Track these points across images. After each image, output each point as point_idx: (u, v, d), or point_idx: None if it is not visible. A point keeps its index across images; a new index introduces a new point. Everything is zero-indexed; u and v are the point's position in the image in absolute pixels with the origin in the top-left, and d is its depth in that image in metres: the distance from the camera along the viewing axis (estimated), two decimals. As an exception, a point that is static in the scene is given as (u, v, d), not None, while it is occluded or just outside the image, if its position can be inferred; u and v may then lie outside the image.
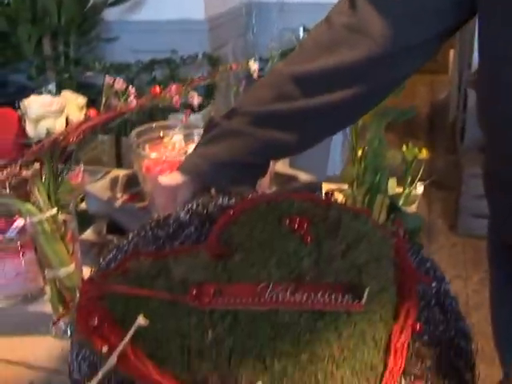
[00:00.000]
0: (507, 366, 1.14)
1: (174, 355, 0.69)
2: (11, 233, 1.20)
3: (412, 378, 0.75)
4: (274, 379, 0.68)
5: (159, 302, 0.73)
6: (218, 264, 0.78)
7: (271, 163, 1.07)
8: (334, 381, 0.70)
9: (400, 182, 1.48)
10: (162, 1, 3.33)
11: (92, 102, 1.08)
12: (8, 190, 0.95)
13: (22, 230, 1.20)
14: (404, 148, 1.45)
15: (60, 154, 0.98)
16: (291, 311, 0.74)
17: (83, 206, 1.48)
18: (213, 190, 1.00)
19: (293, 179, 1.37)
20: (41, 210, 1.00)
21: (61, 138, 0.95)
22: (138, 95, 1.02)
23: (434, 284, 0.87)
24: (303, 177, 1.37)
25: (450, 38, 0.99)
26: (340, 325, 0.74)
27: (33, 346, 1.11)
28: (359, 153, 1.38)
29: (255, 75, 1.10)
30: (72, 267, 1.05)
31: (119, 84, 1.00)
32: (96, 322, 0.69)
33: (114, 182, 1.42)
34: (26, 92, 1.25)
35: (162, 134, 1.31)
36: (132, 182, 1.41)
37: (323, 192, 1.04)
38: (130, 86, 1.01)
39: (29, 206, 0.99)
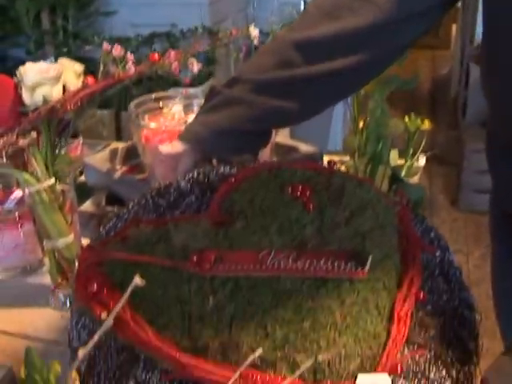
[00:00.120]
0: (509, 339, 1.14)
1: (174, 322, 0.68)
2: (9, 204, 1.19)
3: (415, 347, 0.75)
4: (275, 346, 0.67)
5: (159, 268, 0.72)
6: (219, 231, 0.77)
7: (272, 134, 1.05)
8: (336, 348, 0.69)
9: (402, 155, 1.47)
10: (161, -26, 3.29)
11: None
12: (4, 159, 0.94)
13: (20, 202, 1.19)
14: (406, 119, 1.43)
15: (57, 122, 0.97)
16: (293, 278, 0.73)
17: (82, 178, 1.47)
18: (214, 160, 0.99)
19: (294, 150, 1.35)
20: (38, 180, 0.99)
21: (58, 105, 0.93)
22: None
23: (437, 253, 0.87)
24: (304, 148, 1.35)
25: (453, 7, 0.98)
26: (343, 292, 0.73)
27: (32, 318, 1.10)
28: (361, 124, 1.37)
29: (256, 41, 1.08)
30: (71, 238, 1.04)
31: (117, 51, 0.98)
32: (95, 288, 0.68)
33: (113, 153, 1.41)
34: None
35: (161, 105, 1.30)
36: (131, 154, 1.39)
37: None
38: (129, 53, 0.99)
39: (26, 175, 0.98)
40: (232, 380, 0.63)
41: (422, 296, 0.77)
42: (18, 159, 0.98)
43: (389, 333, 0.72)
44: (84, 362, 0.72)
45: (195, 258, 0.72)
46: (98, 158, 1.37)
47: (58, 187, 1.03)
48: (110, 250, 0.75)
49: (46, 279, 1.12)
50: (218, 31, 2.87)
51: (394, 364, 0.69)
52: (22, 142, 0.93)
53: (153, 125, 1.22)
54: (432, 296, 0.81)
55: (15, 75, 1.01)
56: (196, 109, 1.28)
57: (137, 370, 0.69)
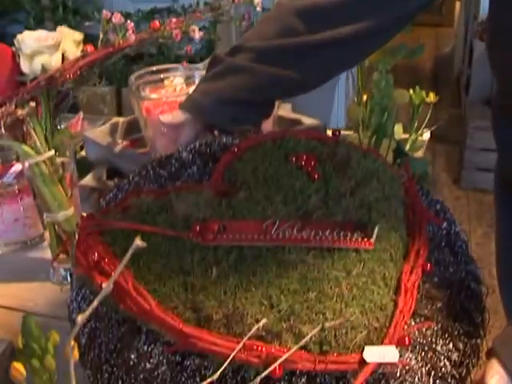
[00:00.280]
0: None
1: (176, 292, 0.67)
2: (8, 178, 1.17)
3: (422, 319, 0.73)
4: (280, 317, 0.66)
5: (161, 238, 0.71)
6: (222, 201, 0.75)
7: (275, 107, 1.03)
8: (343, 319, 0.67)
9: (406, 130, 1.45)
10: None
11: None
12: (3, 130, 0.92)
13: (20, 175, 1.17)
14: (411, 92, 1.41)
15: (57, 92, 0.95)
16: (298, 248, 0.72)
17: (83, 154, 1.45)
18: (216, 132, 0.97)
19: (297, 123, 1.33)
20: (38, 152, 0.97)
21: (57, 74, 0.91)
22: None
23: (444, 225, 0.85)
24: (307, 121, 1.33)
25: None
26: (349, 263, 0.72)
27: (32, 293, 1.09)
28: (365, 97, 1.35)
29: (258, 8, 1.06)
30: (71, 211, 1.02)
31: (117, 18, 0.96)
32: (96, 257, 0.67)
33: (113, 127, 1.38)
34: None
35: (162, 77, 1.27)
36: (133, 128, 1.37)
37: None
38: (129, 21, 0.97)
39: (25, 147, 0.96)
40: (236, 351, 0.62)
41: (428, 267, 0.76)
42: (17, 131, 0.96)
43: (396, 304, 0.71)
44: (84, 333, 0.71)
45: (198, 227, 0.70)
46: (99, 132, 1.35)
47: (58, 160, 1.01)
48: (110, 219, 0.73)
49: (47, 254, 1.10)
50: (219, 6, 2.84)
51: (402, 336, 0.68)
52: (21, 112, 0.91)
53: (154, 96, 1.20)
54: (438, 268, 0.80)
55: (13, 41, 0.99)
56: (197, 80, 1.26)
57: (138, 342, 0.68)
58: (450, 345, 0.73)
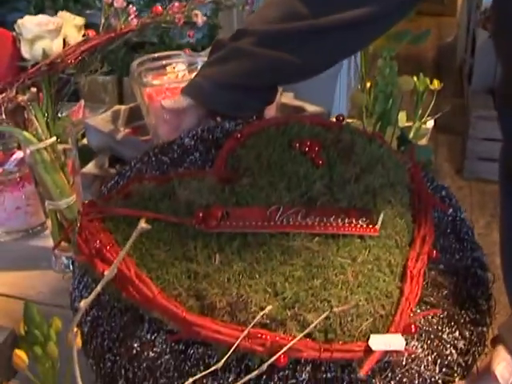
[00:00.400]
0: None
1: (179, 280, 0.66)
2: (10, 165, 1.16)
3: (428, 306, 0.72)
4: (285, 305, 0.65)
5: (164, 224, 0.70)
6: (226, 187, 0.74)
7: (278, 94, 1.02)
8: (348, 306, 0.66)
9: (410, 119, 1.44)
10: None
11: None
12: (4, 116, 0.91)
13: (21, 163, 1.16)
14: (415, 79, 1.40)
15: (58, 78, 0.94)
16: (303, 235, 0.71)
17: (84, 142, 1.44)
18: (219, 118, 0.96)
19: (300, 110, 1.32)
20: (39, 139, 0.96)
21: (58, 59, 0.90)
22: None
23: (449, 212, 0.84)
24: (310, 108, 1.32)
25: None
26: (354, 250, 0.71)
27: (34, 281, 1.08)
28: (368, 84, 1.34)
29: (262, -8, 1.05)
30: (73, 198, 1.01)
31: (118, 2, 0.95)
32: (98, 244, 0.66)
33: (115, 115, 1.37)
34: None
35: (164, 63, 1.26)
36: (134, 116, 1.36)
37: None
38: (130, 5, 0.95)
39: (27, 134, 0.95)
40: (240, 339, 0.61)
41: (434, 254, 0.75)
42: (18, 117, 0.95)
43: (402, 292, 0.70)
44: (87, 322, 0.70)
45: (201, 214, 0.69)
46: (100, 120, 1.34)
47: (60, 147, 1.00)
48: (112, 206, 0.72)
49: (49, 242, 1.09)
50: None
51: (408, 324, 0.67)
52: (22, 98, 0.90)
53: (156, 82, 1.19)
54: (444, 255, 0.79)
55: (14, 29, 0.98)
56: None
57: (141, 330, 0.67)
58: (457, 333, 0.72)
